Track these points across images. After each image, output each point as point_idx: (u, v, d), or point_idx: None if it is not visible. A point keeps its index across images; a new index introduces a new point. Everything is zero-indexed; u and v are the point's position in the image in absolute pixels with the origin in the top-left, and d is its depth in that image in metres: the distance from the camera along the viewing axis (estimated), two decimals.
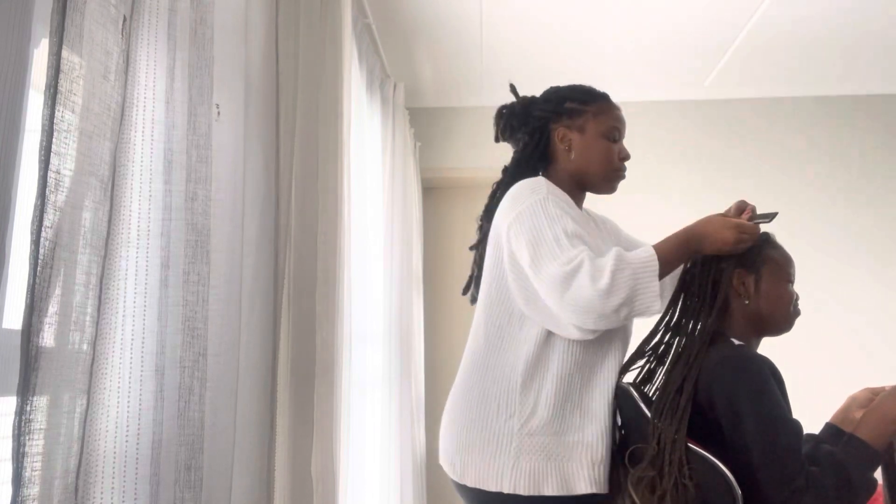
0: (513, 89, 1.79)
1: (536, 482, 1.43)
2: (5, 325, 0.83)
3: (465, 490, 1.52)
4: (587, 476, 1.45)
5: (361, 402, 2.40)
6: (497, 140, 1.80)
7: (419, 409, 3.38)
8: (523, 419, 1.47)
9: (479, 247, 1.79)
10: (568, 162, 1.67)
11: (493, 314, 1.60)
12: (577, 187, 1.69)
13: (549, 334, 1.53)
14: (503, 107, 1.76)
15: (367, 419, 2.53)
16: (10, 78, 0.69)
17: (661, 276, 1.41)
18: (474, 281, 1.80)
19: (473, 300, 1.78)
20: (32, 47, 0.85)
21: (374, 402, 2.68)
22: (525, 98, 1.75)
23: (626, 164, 1.70)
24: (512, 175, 1.71)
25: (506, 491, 1.43)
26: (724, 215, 1.55)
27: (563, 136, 1.67)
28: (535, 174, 1.69)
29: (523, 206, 1.52)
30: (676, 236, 1.48)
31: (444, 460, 1.57)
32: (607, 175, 1.66)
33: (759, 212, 1.59)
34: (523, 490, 1.43)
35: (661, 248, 1.44)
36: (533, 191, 1.55)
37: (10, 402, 0.78)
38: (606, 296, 1.37)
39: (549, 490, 1.43)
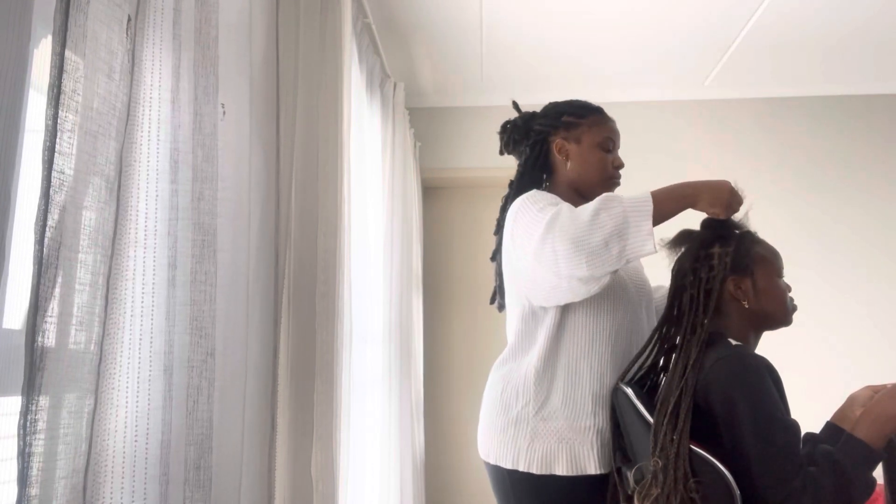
0: (515, 105, 1.92)
1: (548, 463, 1.57)
2: (5, 326, 0.83)
3: (487, 466, 1.68)
4: (597, 457, 1.57)
5: (361, 402, 2.40)
6: (501, 153, 1.93)
7: (419, 409, 3.37)
8: (538, 405, 1.62)
9: (497, 257, 1.90)
10: (566, 171, 1.78)
11: (514, 318, 1.73)
12: (576, 195, 1.78)
13: (560, 328, 1.65)
14: (507, 122, 1.88)
15: (367, 419, 2.53)
16: (10, 78, 0.69)
17: (656, 219, 1.45)
18: (498, 290, 1.91)
19: (501, 307, 1.90)
20: (32, 47, 0.85)
21: (374, 402, 2.68)
22: (526, 113, 1.87)
23: (625, 167, 1.81)
24: (517, 188, 1.82)
25: (521, 469, 1.58)
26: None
27: (560, 147, 1.79)
28: (538, 186, 1.79)
29: (516, 212, 1.65)
30: (675, 186, 1.53)
31: (479, 440, 1.74)
32: (603, 182, 1.76)
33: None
34: (536, 469, 1.57)
35: (657, 192, 1.49)
36: (524, 197, 1.66)
37: (10, 403, 0.78)
38: (590, 225, 1.43)
39: (560, 470, 1.56)
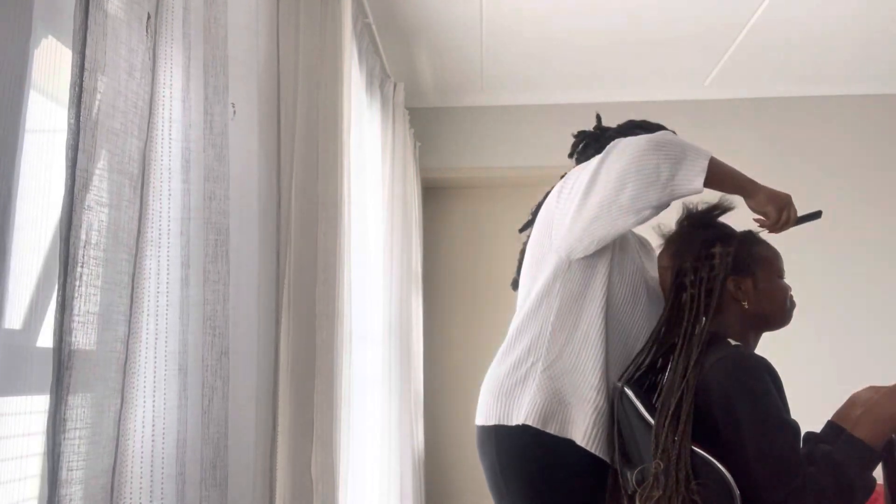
0: (598, 118, 2.04)
1: (545, 418, 1.56)
2: (6, 326, 0.83)
3: (485, 433, 1.64)
4: (583, 431, 1.55)
5: (361, 402, 2.40)
6: (570, 156, 2.01)
7: (418, 409, 3.38)
8: (548, 363, 1.61)
9: (527, 229, 1.96)
10: None
11: (541, 274, 1.72)
12: None
13: (581, 294, 1.64)
14: (582, 130, 2.01)
15: (367, 419, 2.53)
16: (10, 77, 0.69)
17: (710, 173, 1.51)
18: (518, 265, 1.93)
19: (515, 285, 1.91)
20: (33, 46, 0.85)
21: (373, 401, 2.68)
22: (603, 126, 1.99)
23: None
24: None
25: (521, 422, 1.57)
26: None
27: None
28: None
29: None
30: (741, 173, 1.63)
31: (477, 413, 1.70)
32: None
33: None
34: (532, 421, 1.56)
35: (721, 161, 1.58)
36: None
37: (10, 403, 0.78)
38: (648, 139, 1.53)
39: (552, 429, 1.56)
